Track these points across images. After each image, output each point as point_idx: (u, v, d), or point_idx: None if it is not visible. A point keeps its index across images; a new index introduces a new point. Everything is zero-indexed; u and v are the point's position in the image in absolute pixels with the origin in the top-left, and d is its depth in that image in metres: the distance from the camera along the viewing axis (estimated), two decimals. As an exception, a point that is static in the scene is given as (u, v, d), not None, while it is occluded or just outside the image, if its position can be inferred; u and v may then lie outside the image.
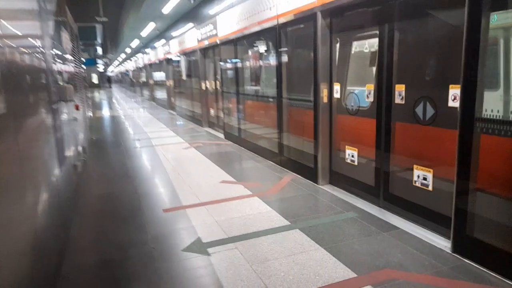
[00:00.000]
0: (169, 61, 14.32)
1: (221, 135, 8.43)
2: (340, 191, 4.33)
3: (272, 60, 5.67)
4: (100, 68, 48.51)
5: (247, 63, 6.59)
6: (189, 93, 11.22)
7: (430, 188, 3.22)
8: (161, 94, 17.44)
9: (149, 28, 17.54)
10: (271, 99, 5.77)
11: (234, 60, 7.09)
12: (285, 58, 5.27)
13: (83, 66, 8.23)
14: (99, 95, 29.64)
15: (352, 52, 4.28)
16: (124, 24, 18.02)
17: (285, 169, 5.28)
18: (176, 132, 9.26)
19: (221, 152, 6.74)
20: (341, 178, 4.43)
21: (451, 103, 2.95)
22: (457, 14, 2.74)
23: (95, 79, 45.77)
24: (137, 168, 5.90)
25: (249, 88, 6.55)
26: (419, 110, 3.27)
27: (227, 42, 7.22)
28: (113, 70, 62.19)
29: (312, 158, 4.67)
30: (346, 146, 4.26)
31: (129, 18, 16.21)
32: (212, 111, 9.48)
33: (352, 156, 4.20)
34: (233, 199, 4.15)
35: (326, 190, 4.39)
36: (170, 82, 14.74)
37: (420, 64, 3.34)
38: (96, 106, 19.01)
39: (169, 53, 13.60)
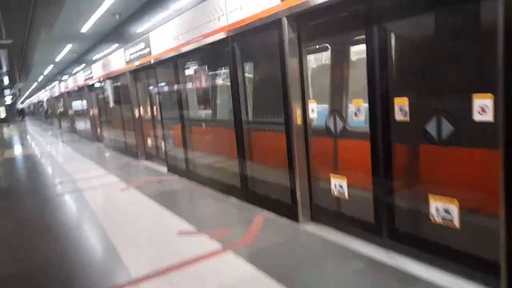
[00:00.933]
0: (91, 87, 12.71)
1: (163, 169, 7.29)
2: (327, 231, 3.56)
3: (227, 79, 4.85)
4: (8, 100, 43.32)
5: (193, 84, 5.68)
6: (118, 121, 9.86)
7: (456, 224, 2.59)
8: (84, 124, 15.52)
9: (65, 50, 15.66)
10: (227, 124, 4.91)
11: (174, 81, 6.12)
12: (242, 75, 4.48)
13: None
14: (8, 131, 25.97)
15: (331, 62, 3.65)
16: (34, 47, 15.82)
17: (253, 206, 4.40)
18: (107, 168, 7.87)
19: (168, 191, 5.64)
20: (326, 213, 3.69)
21: (478, 117, 2.38)
22: None
23: (2, 113, 40.60)
24: (61, 225, 4.56)
25: (199, 112, 5.61)
26: (431, 127, 2.67)
27: (164, 61, 6.23)
28: (24, 101, 56.20)
29: (288, 192, 3.88)
30: (331, 175, 3.54)
31: (40, 38, 14.18)
32: (149, 141, 8.28)
33: (340, 187, 3.49)
34: (201, 259, 3.16)
35: (310, 231, 3.59)
36: (94, 111, 13.08)
37: (426, 70, 2.77)
38: (4, 145, 16.30)
39: (90, 78, 12.04)
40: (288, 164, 3.84)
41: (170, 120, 6.66)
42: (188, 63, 5.73)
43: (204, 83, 5.27)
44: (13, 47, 13.53)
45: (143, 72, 7.92)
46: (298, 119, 3.75)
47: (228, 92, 4.80)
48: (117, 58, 8.87)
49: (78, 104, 16.06)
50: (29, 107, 49.08)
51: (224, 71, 5.11)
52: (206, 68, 5.30)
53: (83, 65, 15.24)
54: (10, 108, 46.14)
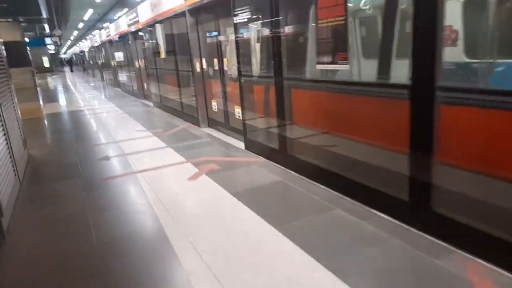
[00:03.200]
0: (137, 34, 10.88)
1: (236, 143, 5.48)
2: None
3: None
4: (51, 49, 42.92)
5: (310, 23, 3.60)
6: (172, 77, 8.04)
7: None
8: (128, 78, 13.96)
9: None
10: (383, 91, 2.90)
11: (266, 22, 4.08)
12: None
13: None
14: (52, 81, 25.24)
15: None
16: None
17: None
18: (163, 139, 6.16)
19: (266, 189, 3.79)
20: None
21: None
22: None
23: (46, 62, 40.27)
24: (116, 243, 2.89)
25: (316, 67, 3.57)
26: None
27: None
28: (67, 51, 56.14)
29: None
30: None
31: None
32: (214, 104, 6.43)
33: None
34: None
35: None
36: (141, 63, 11.35)
37: None
38: (45, 97, 15.21)
39: (136, 22, 10.17)
40: None
41: (252, 79, 4.70)
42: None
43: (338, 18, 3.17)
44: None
45: (210, 11, 5.88)
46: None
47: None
48: (172, -6, 6.86)
49: (121, 55, 14.42)
50: (70, 57, 48.77)
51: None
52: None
53: (125, 10, 13.33)
54: (53, 58, 45.96)
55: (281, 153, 4.21)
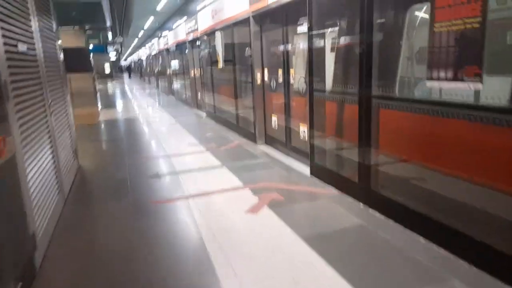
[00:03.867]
0: (194, 43, 10.64)
1: (300, 166, 4.77)
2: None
3: None
4: (112, 57, 45.29)
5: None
6: (228, 87, 7.55)
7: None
8: (182, 87, 13.84)
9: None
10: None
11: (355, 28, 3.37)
12: None
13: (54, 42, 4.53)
14: (111, 87, 26.29)
15: None
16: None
17: None
18: (217, 155, 5.61)
19: (342, 229, 3.05)
20: None
21: None
22: None
23: (107, 68, 42.46)
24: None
25: (427, 85, 2.79)
26: None
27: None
28: (127, 58, 59.11)
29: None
30: None
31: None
32: (274, 120, 5.78)
33: None
34: None
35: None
36: (196, 72, 11.08)
37: None
38: (103, 102, 15.59)
39: (195, 31, 9.91)
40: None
41: (326, 95, 3.98)
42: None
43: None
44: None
45: (276, 17, 5.28)
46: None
47: None
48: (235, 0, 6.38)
49: (177, 64, 14.38)
50: (129, 65, 51.17)
51: None
52: None
53: (185, 17, 13.27)
54: (114, 65, 48.44)
55: (361, 187, 3.42)
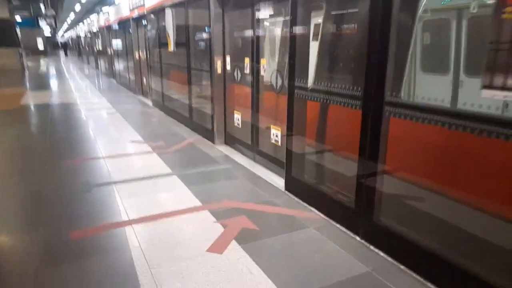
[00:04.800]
0: (140, 20, 9.27)
1: (268, 175, 3.94)
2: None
3: None
4: (47, 32, 40.84)
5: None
6: (181, 75, 6.45)
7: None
8: (125, 69, 12.30)
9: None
10: None
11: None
12: None
13: None
14: (44, 65, 23.40)
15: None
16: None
17: None
18: (166, 159, 4.57)
19: (342, 282, 2.25)
20: None
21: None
22: None
23: (40, 44, 38.15)
24: None
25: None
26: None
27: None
28: (63, 35, 54.09)
29: None
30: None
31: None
32: (238, 117, 4.85)
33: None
34: None
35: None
36: (142, 54, 9.73)
37: None
38: (32, 83, 13.51)
39: (141, 7, 8.55)
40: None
41: (311, 94, 3.15)
42: None
43: None
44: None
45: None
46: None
47: None
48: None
49: (120, 43, 12.75)
50: (66, 42, 46.72)
51: None
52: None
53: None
54: (49, 41, 43.81)
55: (359, 216, 2.65)
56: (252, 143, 4.55)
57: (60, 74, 17.53)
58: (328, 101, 3.00)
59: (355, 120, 2.58)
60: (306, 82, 3.19)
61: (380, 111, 2.38)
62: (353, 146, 2.62)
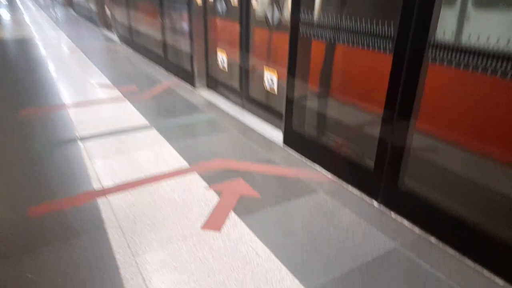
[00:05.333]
0: None
1: (261, 125, 3.46)
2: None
3: None
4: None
5: None
6: (153, 5, 5.53)
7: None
8: (84, -2, 10.82)
9: None
10: None
11: None
12: None
13: None
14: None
15: None
16: None
17: None
18: (140, 107, 3.96)
19: (370, 262, 1.91)
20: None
21: None
22: None
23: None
24: None
25: None
26: None
27: None
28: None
29: None
30: None
31: None
32: (222, 57, 4.18)
33: None
34: None
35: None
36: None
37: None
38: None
39: None
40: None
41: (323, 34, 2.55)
42: None
43: None
44: None
45: None
46: None
47: None
48: None
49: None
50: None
51: None
52: None
53: None
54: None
55: (382, 180, 2.25)
56: (240, 88, 3.96)
57: (11, 2, 15.44)
58: (342, 41, 2.43)
59: (380, 65, 2.06)
60: (313, 16, 2.57)
61: (421, 55, 1.86)
62: (376, 97, 2.12)
